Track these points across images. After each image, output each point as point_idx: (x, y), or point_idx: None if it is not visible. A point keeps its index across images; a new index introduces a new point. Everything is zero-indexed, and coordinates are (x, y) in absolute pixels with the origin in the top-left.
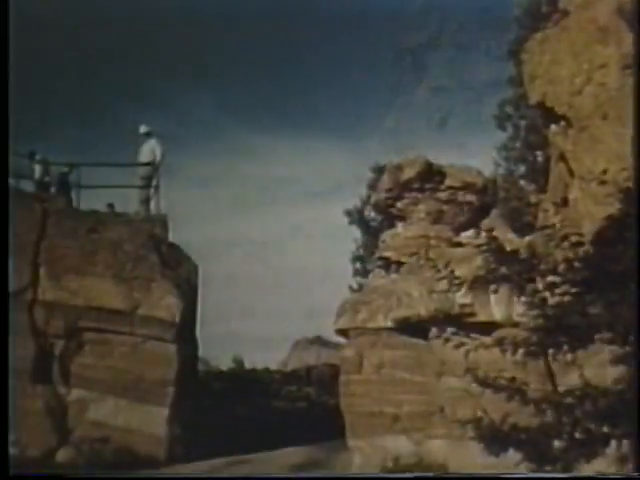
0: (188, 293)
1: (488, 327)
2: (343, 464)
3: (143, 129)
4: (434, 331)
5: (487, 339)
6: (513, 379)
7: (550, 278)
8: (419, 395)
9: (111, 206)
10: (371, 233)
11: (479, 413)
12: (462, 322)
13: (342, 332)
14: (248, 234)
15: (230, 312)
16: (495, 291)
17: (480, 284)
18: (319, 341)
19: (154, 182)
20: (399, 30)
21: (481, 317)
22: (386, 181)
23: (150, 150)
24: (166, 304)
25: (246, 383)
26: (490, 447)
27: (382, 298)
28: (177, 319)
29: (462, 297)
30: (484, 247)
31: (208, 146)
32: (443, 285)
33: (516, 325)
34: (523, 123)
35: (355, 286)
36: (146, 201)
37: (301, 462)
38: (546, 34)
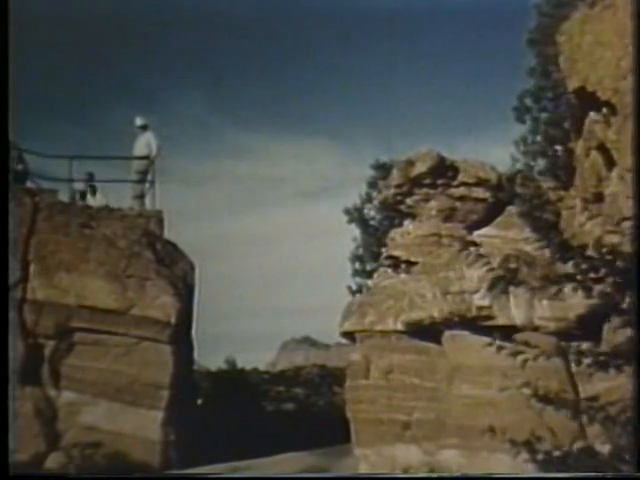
0: (184, 292)
1: (505, 331)
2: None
3: (139, 122)
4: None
5: (548, 347)
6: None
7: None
8: (430, 402)
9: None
10: (371, 232)
11: (537, 432)
12: (478, 325)
13: (348, 335)
14: (239, 233)
15: (223, 311)
16: (558, 290)
17: (499, 285)
18: (308, 341)
19: (149, 177)
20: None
21: (500, 320)
22: (395, 176)
23: (146, 144)
24: (161, 304)
25: (239, 385)
26: (549, 470)
27: (391, 299)
28: (173, 319)
29: (480, 299)
30: (543, 243)
31: (200, 145)
32: (459, 286)
33: (536, 329)
34: (543, 116)
35: (354, 287)
36: (141, 196)
37: (303, 469)
38: (587, 14)
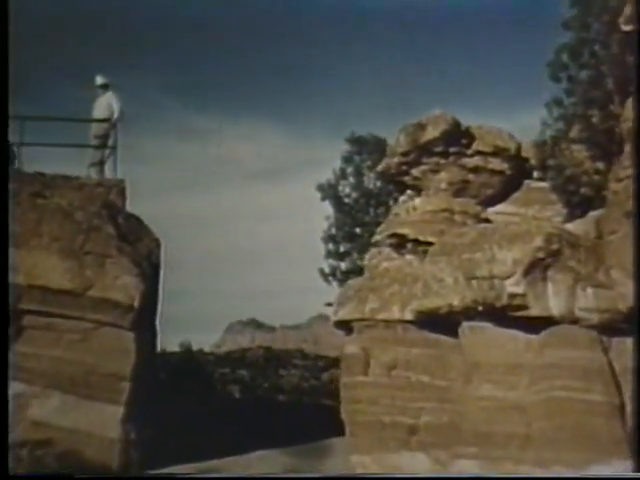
0: (149, 272)
1: (537, 323)
2: None
3: (99, 80)
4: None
5: None
6: None
7: None
8: (441, 403)
9: None
10: (346, 211)
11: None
12: (505, 316)
13: (343, 324)
14: (186, 214)
15: (169, 292)
16: None
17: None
18: (253, 324)
19: (110, 142)
20: None
21: (534, 311)
22: (402, 142)
23: (107, 105)
24: (123, 284)
25: (196, 373)
26: None
27: (397, 284)
28: (136, 303)
29: (513, 285)
30: None
31: (149, 125)
32: (488, 270)
33: (575, 322)
34: (583, 74)
35: (327, 269)
36: (100, 163)
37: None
38: None
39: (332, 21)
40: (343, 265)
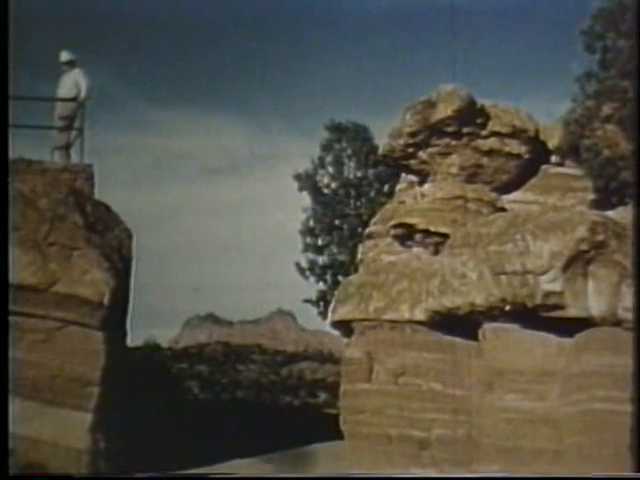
0: (120, 266)
1: (572, 325)
2: None
3: (65, 57)
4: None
5: None
6: None
7: None
8: (456, 415)
9: None
10: (325, 202)
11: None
12: (536, 316)
13: (342, 325)
14: (143, 208)
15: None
16: None
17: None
18: (211, 319)
19: (77, 123)
20: None
21: (572, 311)
22: (410, 122)
23: (73, 83)
24: (91, 279)
25: (159, 371)
26: None
27: (405, 280)
28: (106, 299)
29: (549, 282)
30: None
31: (105, 118)
32: (521, 264)
33: (618, 323)
34: (622, 44)
35: (304, 264)
36: (66, 147)
37: None
38: None
39: (295, 15)
40: (321, 259)
